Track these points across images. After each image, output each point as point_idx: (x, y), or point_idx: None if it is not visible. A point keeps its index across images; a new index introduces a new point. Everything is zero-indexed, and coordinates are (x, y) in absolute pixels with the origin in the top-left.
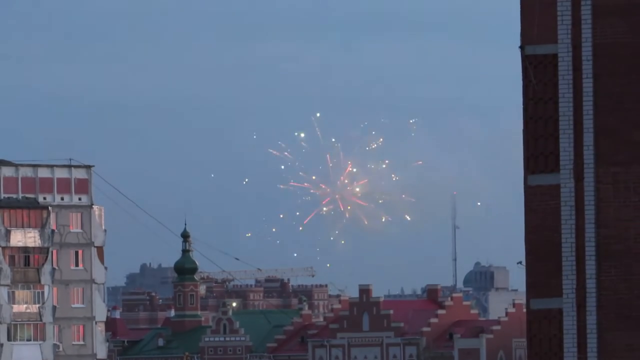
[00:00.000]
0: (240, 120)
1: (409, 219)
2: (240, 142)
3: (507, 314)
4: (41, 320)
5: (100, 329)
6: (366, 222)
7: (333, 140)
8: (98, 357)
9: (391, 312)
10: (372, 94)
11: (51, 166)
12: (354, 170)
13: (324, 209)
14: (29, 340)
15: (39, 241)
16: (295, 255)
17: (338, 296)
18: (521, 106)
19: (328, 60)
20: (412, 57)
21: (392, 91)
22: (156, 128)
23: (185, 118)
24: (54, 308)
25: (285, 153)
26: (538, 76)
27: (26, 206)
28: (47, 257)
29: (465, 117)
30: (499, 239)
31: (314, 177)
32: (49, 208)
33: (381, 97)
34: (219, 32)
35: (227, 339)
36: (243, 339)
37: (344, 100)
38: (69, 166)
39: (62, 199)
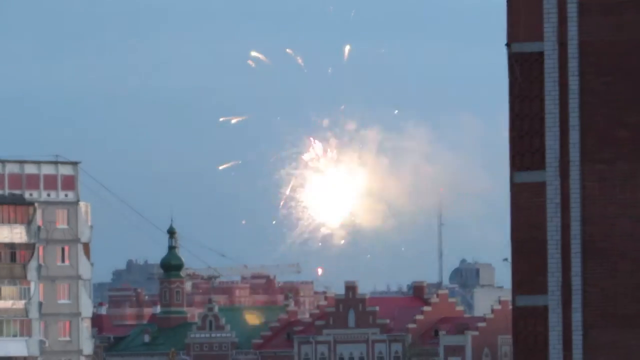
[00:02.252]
0: (229, 116)
1: (395, 216)
2: (229, 139)
3: (492, 310)
4: (27, 316)
5: (86, 325)
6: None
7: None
8: (84, 353)
9: (377, 308)
10: (364, 90)
11: (38, 162)
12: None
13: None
14: (15, 336)
15: (25, 237)
16: (281, 251)
17: (324, 293)
18: (508, 103)
19: (317, 56)
20: (403, 55)
21: (384, 86)
22: (143, 124)
23: (174, 113)
24: (40, 304)
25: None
26: (524, 74)
27: (12, 202)
28: (33, 253)
29: (451, 113)
30: (485, 235)
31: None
32: (35, 204)
33: (374, 92)
34: (208, 25)
35: (213, 335)
36: (229, 335)
37: (335, 94)
38: (56, 162)
39: (49, 195)
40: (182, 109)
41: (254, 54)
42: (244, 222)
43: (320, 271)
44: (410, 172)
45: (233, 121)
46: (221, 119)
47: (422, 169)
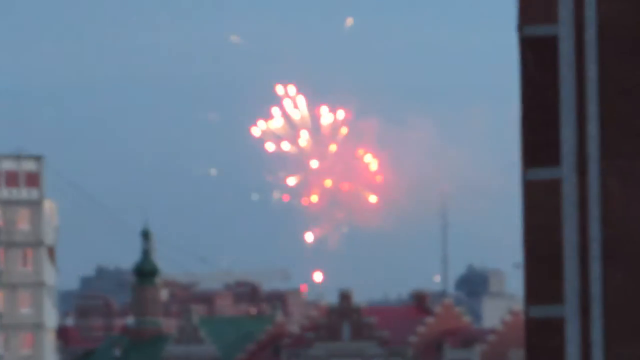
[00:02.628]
0: (207, 105)
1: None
2: (208, 129)
3: (503, 322)
4: None
5: (50, 338)
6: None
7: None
8: None
9: (374, 319)
10: (363, 77)
11: None
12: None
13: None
14: None
15: None
16: (267, 256)
17: (315, 302)
18: (519, 93)
19: (312, 38)
20: (411, 40)
21: (384, 74)
22: (115, 116)
23: (147, 103)
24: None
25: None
26: (537, 60)
27: None
28: None
29: (457, 103)
30: (495, 238)
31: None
32: None
33: (373, 80)
34: (179, 10)
35: (191, 349)
36: (209, 349)
37: (334, 81)
38: (18, 157)
39: (10, 193)
40: (158, 99)
41: (234, 38)
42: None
43: (319, 276)
44: (412, 168)
45: (210, 117)
46: (199, 115)
47: (425, 164)
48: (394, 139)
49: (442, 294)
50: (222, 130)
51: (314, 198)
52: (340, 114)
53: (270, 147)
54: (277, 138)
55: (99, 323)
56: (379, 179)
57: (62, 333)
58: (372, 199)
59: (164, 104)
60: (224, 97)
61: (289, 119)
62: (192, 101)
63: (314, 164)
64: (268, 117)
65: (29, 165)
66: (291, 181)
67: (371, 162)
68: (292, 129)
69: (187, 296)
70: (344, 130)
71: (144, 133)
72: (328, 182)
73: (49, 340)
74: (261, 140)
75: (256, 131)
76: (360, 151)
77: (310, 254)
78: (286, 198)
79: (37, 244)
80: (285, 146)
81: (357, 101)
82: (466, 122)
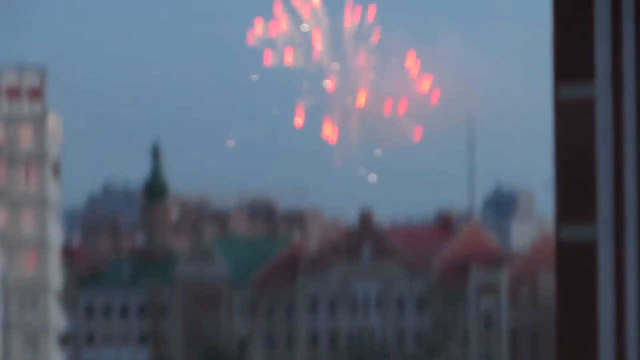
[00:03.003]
0: (219, 10)
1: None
2: (221, 35)
3: (532, 244)
4: None
5: (55, 257)
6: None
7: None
8: (53, 288)
9: (396, 241)
10: None
11: None
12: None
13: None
14: None
15: None
16: (283, 174)
17: (334, 222)
18: (551, 4)
19: None
20: None
21: None
22: (122, 20)
23: (156, 9)
24: (2, 233)
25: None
26: None
27: None
28: None
29: (487, 15)
30: (524, 157)
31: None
32: None
33: None
34: None
35: (203, 269)
36: (222, 270)
37: None
38: (19, 69)
39: (11, 107)
40: (166, 7)
41: None
42: (231, 142)
43: (329, 83)
44: (438, 84)
45: (216, 25)
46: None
47: (452, 80)
48: (420, 53)
49: (469, 215)
50: (223, 38)
51: (331, 133)
52: (371, 13)
53: (269, 57)
54: (283, 45)
55: (106, 243)
56: (434, 98)
57: (68, 253)
58: (417, 133)
59: (172, 11)
60: (225, 3)
61: (299, 19)
62: (204, 10)
63: (330, 83)
64: (271, 17)
65: (32, 78)
66: (303, 105)
67: (422, 79)
68: (303, 35)
69: (199, 215)
70: (374, 37)
71: (156, 41)
72: (361, 98)
73: (54, 260)
74: (259, 50)
75: (252, 37)
76: (409, 62)
77: (330, 143)
78: (299, 123)
79: (41, 160)
80: (292, 57)
81: (378, 13)
82: (496, 36)
